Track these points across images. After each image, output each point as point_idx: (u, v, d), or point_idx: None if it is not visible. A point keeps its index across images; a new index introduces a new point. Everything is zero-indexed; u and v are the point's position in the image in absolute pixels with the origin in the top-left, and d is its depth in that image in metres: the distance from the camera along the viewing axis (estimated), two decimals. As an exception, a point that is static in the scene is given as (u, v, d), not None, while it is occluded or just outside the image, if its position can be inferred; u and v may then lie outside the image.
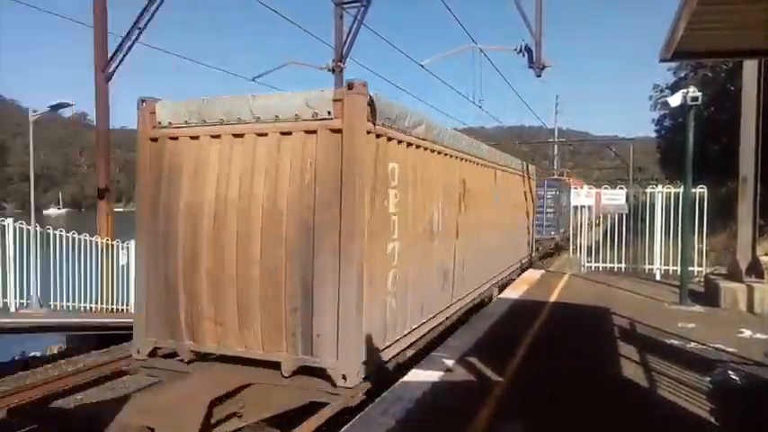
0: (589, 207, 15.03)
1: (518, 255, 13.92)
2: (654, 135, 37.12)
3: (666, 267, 13.70)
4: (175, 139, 5.71)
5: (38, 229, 11.02)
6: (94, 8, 13.37)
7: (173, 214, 5.62)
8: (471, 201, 8.63)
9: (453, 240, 7.83)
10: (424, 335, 6.79)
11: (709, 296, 10.12)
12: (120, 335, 9.68)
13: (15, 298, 10.72)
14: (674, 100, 9.83)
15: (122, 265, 13.00)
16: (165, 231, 5.67)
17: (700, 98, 9.49)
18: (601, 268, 14.62)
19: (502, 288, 11.42)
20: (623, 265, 14.43)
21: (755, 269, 9.76)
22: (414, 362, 6.14)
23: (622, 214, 14.37)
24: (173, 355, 5.81)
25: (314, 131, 5.14)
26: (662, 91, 31.44)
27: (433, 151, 6.90)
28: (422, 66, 15.71)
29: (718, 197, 15.83)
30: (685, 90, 9.70)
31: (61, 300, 11.40)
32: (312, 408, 5.03)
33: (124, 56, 13.64)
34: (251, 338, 5.29)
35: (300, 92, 5.22)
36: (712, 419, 4.66)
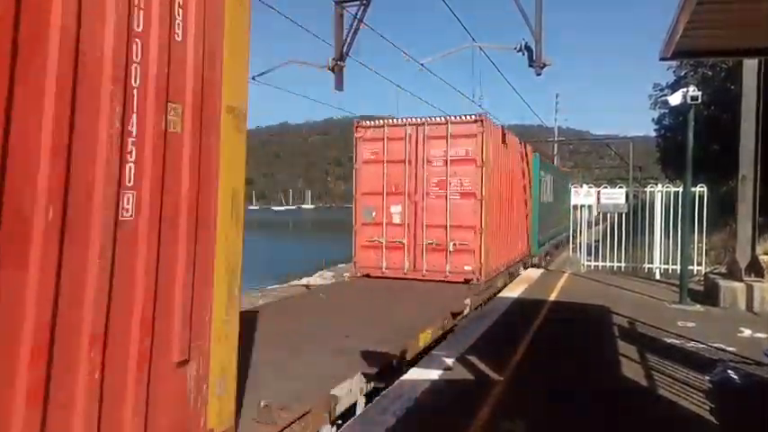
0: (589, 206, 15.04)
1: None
2: (654, 134, 37.12)
3: (666, 266, 13.71)
4: None
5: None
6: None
7: None
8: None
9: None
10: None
11: (708, 295, 10.12)
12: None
13: None
14: (674, 99, 9.84)
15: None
16: None
17: (699, 97, 9.50)
18: (600, 267, 14.63)
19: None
20: (623, 264, 14.43)
21: (755, 268, 9.76)
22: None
23: (622, 213, 14.38)
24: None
25: None
26: (662, 90, 31.44)
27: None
28: (422, 65, 15.68)
29: (717, 196, 15.85)
30: (685, 89, 9.70)
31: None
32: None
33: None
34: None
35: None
36: (712, 419, 4.67)
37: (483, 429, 4.37)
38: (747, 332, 7.82)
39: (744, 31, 4.75)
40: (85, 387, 2.33)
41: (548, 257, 20.52)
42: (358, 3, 18.28)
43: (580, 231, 15.08)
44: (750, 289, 9.43)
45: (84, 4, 2.29)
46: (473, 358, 6.28)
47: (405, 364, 6.19)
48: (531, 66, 12.49)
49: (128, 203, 2.53)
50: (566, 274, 13.82)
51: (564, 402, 5.03)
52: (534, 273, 14.08)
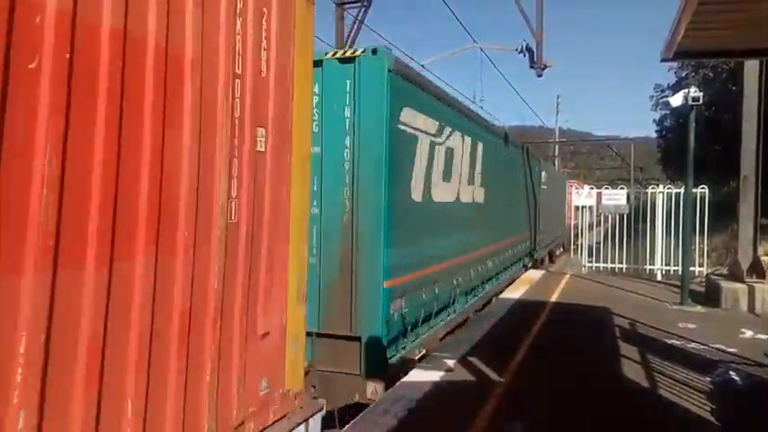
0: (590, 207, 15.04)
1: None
2: (655, 135, 37.15)
3: (667, 267, 13.69)
4: None
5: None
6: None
7: None
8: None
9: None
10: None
11: (710, 296, 10.11)
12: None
13: None
14: (676, 100, 9.84)
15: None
16: None
17: (701, 98, 9.50)
18: (602, 268, 14.61)
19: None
20: (624, 266, 14.42)
21: (757, 269, 9.74)
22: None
23: (623, 214, 14.37)
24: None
25: None
26: (663, 91, 31.46)
27: None
28: (423, 66, 15.72)
29: (719, 197, 15.84)
30: (686, 90, 9.71)
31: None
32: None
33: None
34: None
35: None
36: (713, 419, 4.66)
37: (484, 431, 4.37)
38: (749, 333, 7.81)
39: (745, 31, 4.75)
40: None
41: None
42: (358, 4, 18.31)
43: (581, 233, 15.07)
44: (752, 290, 9.42)
45: (205, 60, 2.66)
46: (474, 360, 6.27)
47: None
48: (532, 67, 12.51)
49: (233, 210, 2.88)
50: (567, 276, 13.81)
51: (565, 403, 5.03)
52: (535, 274, 14.06)
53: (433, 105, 7.04)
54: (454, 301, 7.94)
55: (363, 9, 18.27)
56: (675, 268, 13.18)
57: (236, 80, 2.88)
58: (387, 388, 5.37)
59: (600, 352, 6.76)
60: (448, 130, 7.52)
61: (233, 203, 2.86)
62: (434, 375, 5.66)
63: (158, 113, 2.40)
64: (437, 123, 7.10)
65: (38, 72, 1.89)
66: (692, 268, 11.69)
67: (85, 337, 2.05)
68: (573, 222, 21.07)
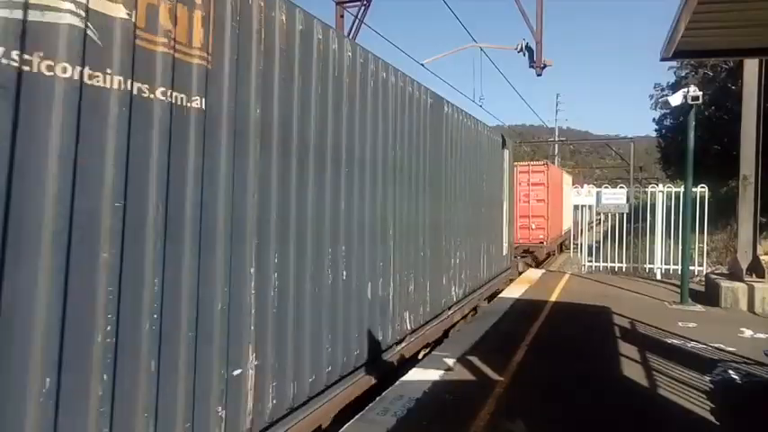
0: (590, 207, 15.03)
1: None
2: (655, 134, 37.17)
3: (667, 267, 13.70)
4: None
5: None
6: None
7: None
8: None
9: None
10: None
11: (709, 296, 10.11)
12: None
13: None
14: (675, 99, 9.83)
15: None
16: None
17: (700, 97, 9.49)
18: (601, 268, 14.62)
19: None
20: (624, 265, 14.42)
21: (756, 268, 9.75)
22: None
23: (623, 214, 14.38)
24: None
25: None
26: (663, 90, 31.47)
27: None
28: (422, 65, 15.66)
29: (718, 196, 15.86)
30: (686, 89, 9.70)
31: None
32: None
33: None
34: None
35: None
36: (712, 419, 4.66)
37: (484, 430, 4.37)
38: (748, 332, 7.81)
39: (744, 30, 4.75)
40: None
41: None
42: (359, 3, 18.28)
43: (581, 232, 15.08)
44: (751, 289, 9.42)
45: None
46: (474, 359, 6.28)
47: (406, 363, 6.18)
48: (531, 66, 12.49)
49: None
50: (566, 275, 13.81)
51: (565, 403, 5.03)
52: (535, 274, 14.07)
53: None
54: None
55: (363, 8, 18.25)
56: (675, 267, 13.19)
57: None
58: (386, 386, 5.39)
59: (600, 351, 6.76)
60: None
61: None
62: (434, 374, 5.67)
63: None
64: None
65: None
66: (691, 267, 11.70)
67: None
68: (551, 236, 20.39)
